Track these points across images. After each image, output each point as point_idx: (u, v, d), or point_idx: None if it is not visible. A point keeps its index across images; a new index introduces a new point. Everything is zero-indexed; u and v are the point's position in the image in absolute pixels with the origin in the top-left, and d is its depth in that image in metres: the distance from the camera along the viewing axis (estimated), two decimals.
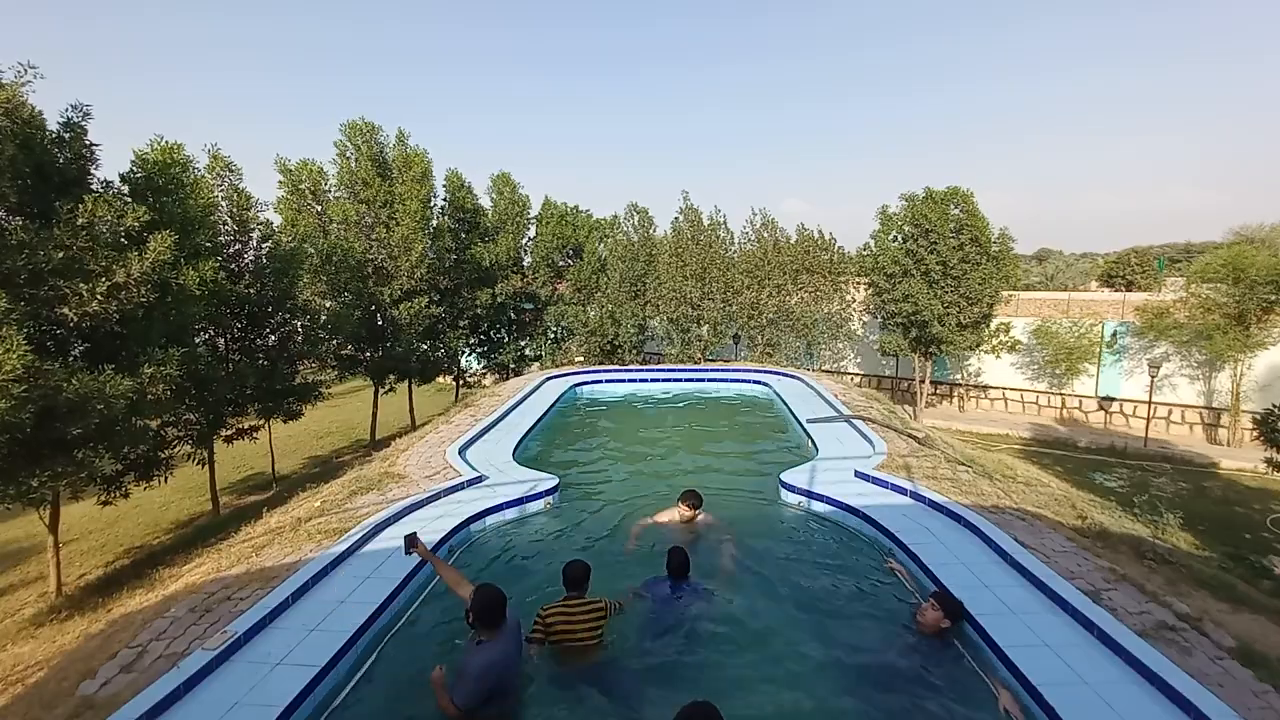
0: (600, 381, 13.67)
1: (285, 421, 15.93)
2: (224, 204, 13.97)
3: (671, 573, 4.76)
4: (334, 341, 18.05)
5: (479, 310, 23.76)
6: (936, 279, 20.63)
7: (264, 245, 14.84)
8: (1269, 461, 12.96)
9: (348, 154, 20.19)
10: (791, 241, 23.77)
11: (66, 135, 9.49)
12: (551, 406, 11.32)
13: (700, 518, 6.10)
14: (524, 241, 27.32)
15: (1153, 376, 20.15)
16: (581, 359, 24.88)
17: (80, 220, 8.60)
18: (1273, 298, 18.33)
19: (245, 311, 14.38)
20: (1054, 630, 4.14)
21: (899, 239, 21.95)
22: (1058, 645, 3.97)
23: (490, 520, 6.37)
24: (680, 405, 12.20)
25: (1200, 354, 20.26)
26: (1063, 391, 23.41)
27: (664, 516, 6.20)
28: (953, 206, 20.88)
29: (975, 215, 20.59)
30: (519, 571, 5.46)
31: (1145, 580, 4.83)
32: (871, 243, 22.78)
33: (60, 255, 8.26)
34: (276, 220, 19.35)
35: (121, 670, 3.93)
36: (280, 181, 19.95)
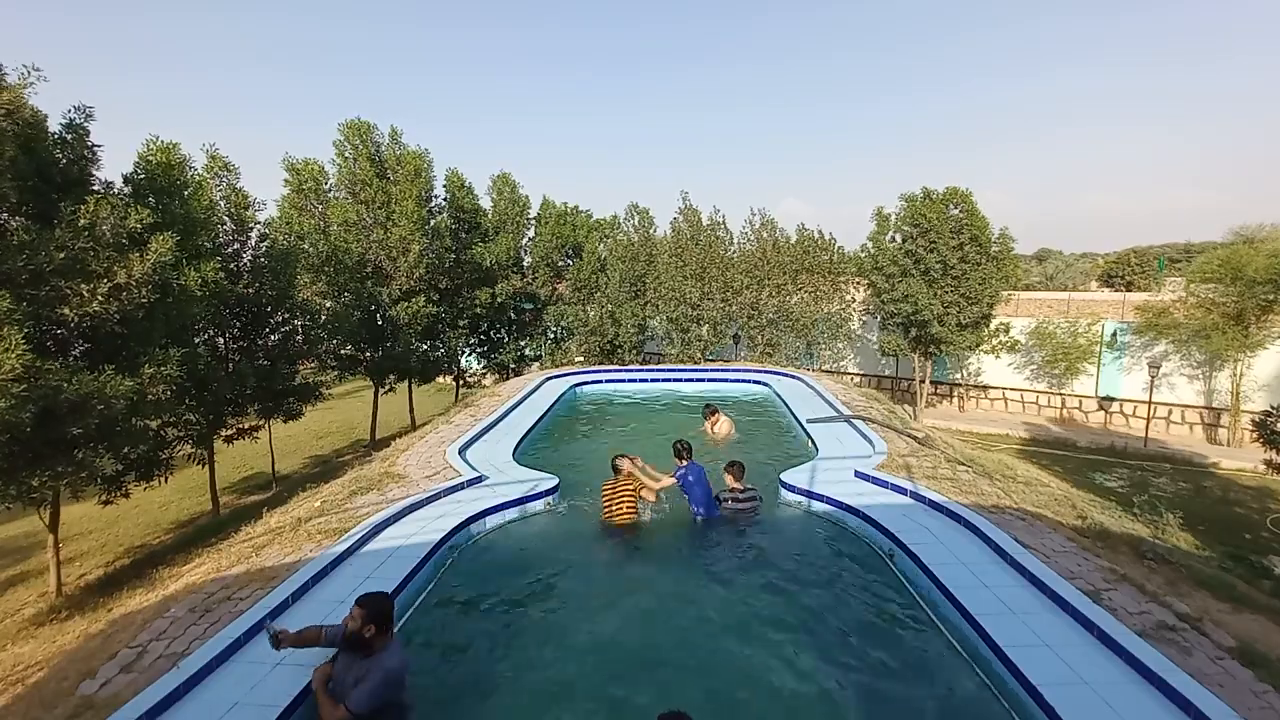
0: (600, 382, 13.67)
1: (285, 421, 15.92)
2: (222, 204, 13.99)
3: (679, 456, 6.88)
4: (334, 341, 18.05)
5: (479, 310, 23.74)
6: (936, 278, 20.64)
7: (262, 244, 14.84)
8: (1268, 463, 12.95)
9: (346, 154, 20.20)
10: (791, 241, 23.77)
11: (69, 136, 9.51)
12: (551, 407, 11.31)
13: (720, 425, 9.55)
14: (524, 242, 27.30)
15: (1152, 376, 20.14)
16: (581, 359, 24.84)
17: (81, 221, 8.60)
18: (1270, 297, 18.32)
19: (245, 311, 14.39)
20: (1054, 630, 4.14)
21: (897, 239, 21.96)
22: (1058, 645, 3.97)
23: (490, 520, 6.37)
24: (680, 405, 12.20)
25: (1200, 354, 20.24)
26: (1062, 391, 23.40)
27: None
28: (952, 207, 20.87)
29: (975, 215, 20.58)
30: (519, 571, 5.46)
31: (1145, 580, 4.83)
32: (869, 244, 22.79)
33: (61, 256, 8.25)
34: (274, 214, 19.46)
35: (121, 670, 3.93)
36: (286, 180, 19.97)
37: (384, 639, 3.60)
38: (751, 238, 24.15)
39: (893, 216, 21.93)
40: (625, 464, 6.58)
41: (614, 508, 6.25)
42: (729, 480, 6.74)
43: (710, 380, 13.70)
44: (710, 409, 9.63)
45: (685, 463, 6.81)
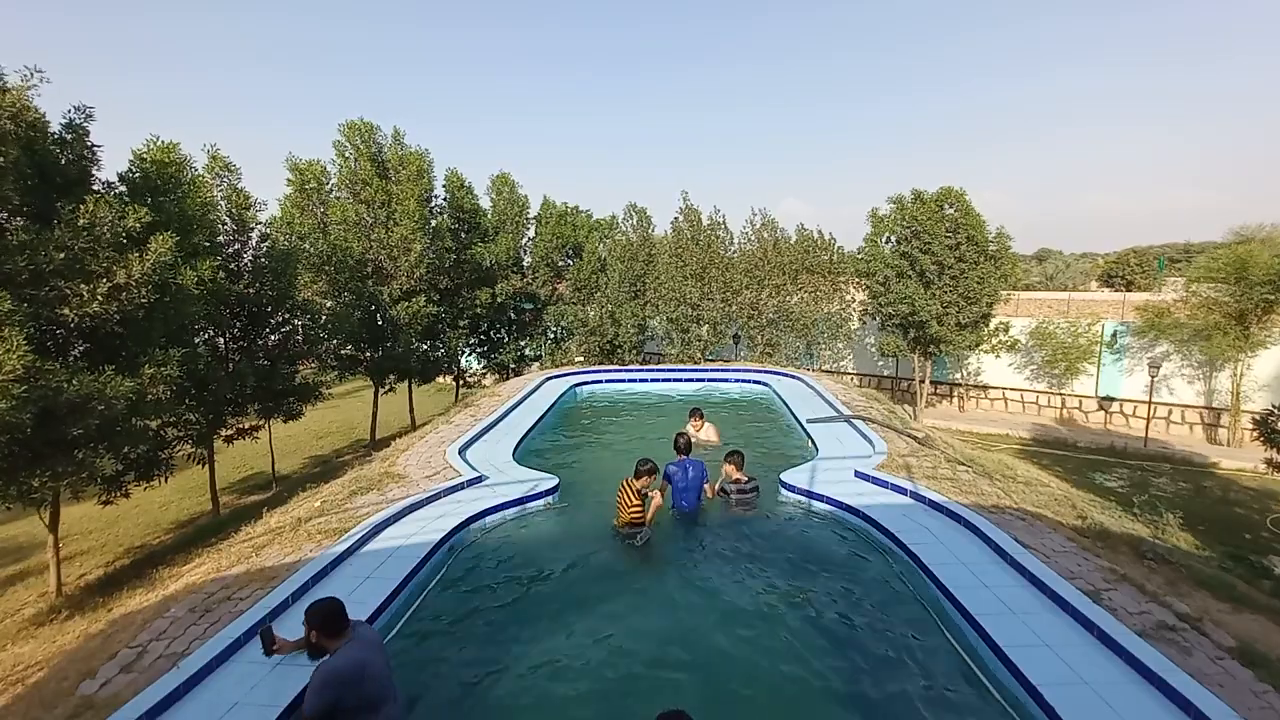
0: (600, 382, 13.67)
1: (285, 421, 15.92)
2: (222, 204, 13.98)
3: (678, 450, 6.82)
4: (334, 341, 18.05)
5: (479, 310, 23.76)
6: (932, 279, 20.63)
7: (263, 244, 14.84)
8: (1268, 462, 12.94)
9: (347, 154, 20.22)
10: (791, 242, 23.78)
11: (69, 137, 9.50)
12: (551, 407, 11.32)
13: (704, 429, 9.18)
14: (524, 241, 27.31)
15: (1153, 376, 20.14)
16: (581, 359, 24.84)
17: (81, 221, 8.60)
18: (1271, 297, 18.31)
19: (245, 311, 14.38)
20: (1054, 630, 4.14)
21: (892, 241, 21.94)
22: (1058, 645, 3.97)
23: (490, 520, 6.37)
24: (680, 405, 12.19)
25: (1200, 354, 20.24)
26: (1062, 391, 23.40)
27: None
28: (947, 206, 20.85)
29: (970, 214, 20.56)
30: (519, 571, 5.46)
31: (1145, 580, 4.83)
32: (864, 245, 22.79)
33: (61, 256, 8.26)
34: (275, 213, 19.46)
35: (121, 670, 3.93)
36: (289, 180, 19.98)
37: (334, 642, 3.49)
38: (751, 238, 24.14)
39: (887, 219, 21.90)
40: (644, 480, 6.17)
41: (621, 515, 6.15)
42: (731, 471, 6.72)
43: (710, 380, 13.70)
44: (695, 412, 9.32)
45: (680, 458, 6.73)
